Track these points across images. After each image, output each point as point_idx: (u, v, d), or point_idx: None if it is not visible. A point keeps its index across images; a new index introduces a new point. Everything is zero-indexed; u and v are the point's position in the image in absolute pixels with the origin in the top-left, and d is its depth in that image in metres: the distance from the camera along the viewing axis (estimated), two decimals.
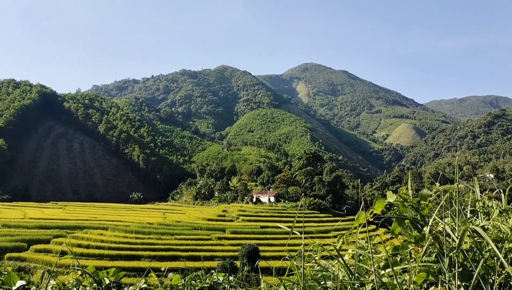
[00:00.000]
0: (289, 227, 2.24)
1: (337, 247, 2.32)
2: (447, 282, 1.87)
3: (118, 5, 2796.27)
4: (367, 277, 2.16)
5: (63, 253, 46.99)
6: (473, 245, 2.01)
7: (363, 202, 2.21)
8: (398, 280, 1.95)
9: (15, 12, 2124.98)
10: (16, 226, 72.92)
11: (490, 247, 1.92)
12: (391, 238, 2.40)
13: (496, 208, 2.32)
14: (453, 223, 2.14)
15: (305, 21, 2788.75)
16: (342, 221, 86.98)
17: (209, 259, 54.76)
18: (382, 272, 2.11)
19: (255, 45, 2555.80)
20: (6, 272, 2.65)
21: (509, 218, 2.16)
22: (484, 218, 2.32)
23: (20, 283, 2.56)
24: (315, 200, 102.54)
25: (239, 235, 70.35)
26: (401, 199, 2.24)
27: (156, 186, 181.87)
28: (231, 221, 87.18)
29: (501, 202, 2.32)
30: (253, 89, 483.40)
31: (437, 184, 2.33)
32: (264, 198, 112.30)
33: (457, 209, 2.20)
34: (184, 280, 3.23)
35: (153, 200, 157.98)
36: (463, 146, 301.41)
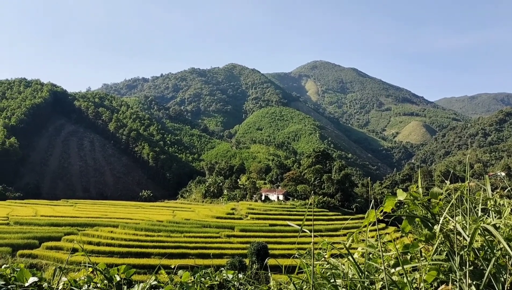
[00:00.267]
0: (299, 225, 2.24)
1: (347, 245, 2.31)
2: (457, 280, 1.85)
3: (128, 4, 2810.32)
4: (377, 275, 2.15)
5: (74, 250, 47.46)
6: (484, 244, 1.99)
7: (373, 200, 2.20)
8: (408, 278, 1.93)
9: (26, 12, 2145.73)
10: (28, 224, 73.75)
11: (501, 246, 1.91)
12: (401, 236, 2.39)
13: (507, 206, 2.30)
14: (464, 222, 2.13)
15: (314, 18, 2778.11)
16: (352, 219, 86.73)
17: (218, 256, 54.88)
18: (392, 270, 2.10)
19: (264, 43, 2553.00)
20: (19, 269, 2.68)
21: None
22: (495, 217, 2.30)
23: (32, 279, 2.59)
24: (324, 198, 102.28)
25: (248, 233, 70.39)
26: (411, 197, 2.23)
27: (166, 184, 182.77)
28: (240, 219, 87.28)
29: None
30: (262, 87, 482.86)
31: (448, 182, 2.32)
32: (273, 196, 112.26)
33: (468, 208, 2.18)
34: (194, 278, 3.25)
35: (162, 198, 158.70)
36: (474, 144, 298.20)
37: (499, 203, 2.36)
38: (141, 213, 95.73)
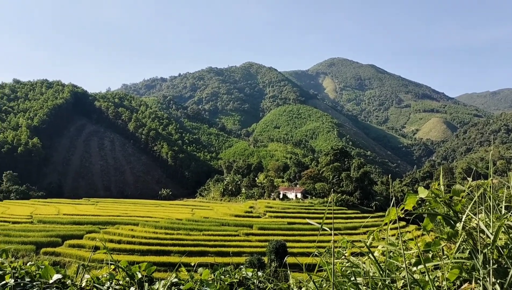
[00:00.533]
0: (319, 223, 2.23)
1: (367, 244, 2.29)
2: (481, 279, 1.82)
3: (146, 5, 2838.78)
4: (398, 273, 2.13)
5: (95, 248, 48.29)
6: (508, 242, 1.95)
7: (393, 198, 2.18)
8: (430, 276, 1.90)
9: (48, 15, 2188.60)
10: (51, 222, 75.34)
11: None
12: (422, 234, 2.36)
13: None
14: (487, 219, 2.08)
15: (331, 15, 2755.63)
16: (371, 217, 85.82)
17: (237, 254, 54.99)
18: (414, 268, 2.08)
19: (280, 41, 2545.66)
20: (43, 266, 2.74)
21: None
22: None
23: (56, 276, 2.65)
24: (343, 196, 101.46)
25: (266, 231, 70.34)
26: (433, 195, 2.19)
27: (184, 183, 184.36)
28: (258, 217, 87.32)
29: None
30: (279, 85, 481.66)
31: (470, 179, 2.28)
32: (291, 194, 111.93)
33: (491, 205, 2.13)
34: (214, 275, 3.27)
35: (181, 196, 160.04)
36: (497, 140, 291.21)
37: None
38: (161, 211, 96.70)
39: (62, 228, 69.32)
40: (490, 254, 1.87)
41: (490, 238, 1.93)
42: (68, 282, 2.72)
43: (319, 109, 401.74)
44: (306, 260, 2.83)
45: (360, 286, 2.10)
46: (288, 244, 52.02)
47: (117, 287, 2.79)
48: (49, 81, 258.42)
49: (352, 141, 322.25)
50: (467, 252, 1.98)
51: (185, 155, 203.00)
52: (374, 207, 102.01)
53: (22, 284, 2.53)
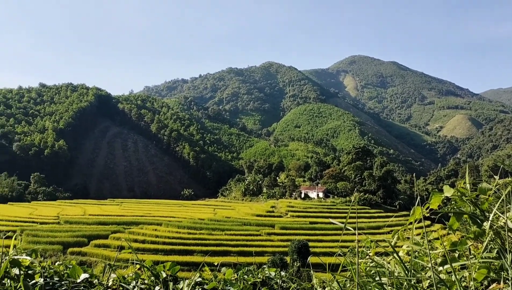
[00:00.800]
0: (342, 222, 2.22)
1: (392, 243, 2.26)
2: (510, 279, 1.77)
3: (166, 8, 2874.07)
4: (423, 273, 2.09)
5: (121, 248, 49.09)
6: None
7: (418, 197, 2.15)
8: (457, 276, 1.86)
9: (73, 22, 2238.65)
10: (77, 222, 77.01)
11: None
12: (448, 234, 2.32)
13: None
14: None
15: (351, 13, 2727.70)
16: (395, 216, 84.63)
17: (259, 254, 55.04)
18: (440, 268, 2.04)
19: (300, 40, 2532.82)
20: (71, 266, 2.81)
21: None
22: None
23: (83, 276, 2.71)
24: (366, 196, 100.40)
25: (288, 231, 70.21)
26: (458, 193, 2.15)
27: (206, 183, 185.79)
28: (280, 216, 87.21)
29: None
30: (299, 84, 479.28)
31: (497, 177, 2.22)
32: (312, 194, 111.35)
33: None
34: (237, 275, 3.29)
35: (203, 196, 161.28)
36: None
37: None
38: (183, 211, 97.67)
39: (88, 229, 70.72)
40: None
41: None
42: (95, 281, 2.78)
43: (340, 107, 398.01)
44: (329, 260, 2.81)
45: (385, 286, 2.08)
46: (310, 243, 51.82)
47: (142, 286, 2.83)
48: (73, 85, 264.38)
49: (374, 140, 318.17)
50: (495, 251, 1.94)
51: (207, 156, 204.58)
52: (397, 206, 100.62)
53: (51, 283, 2.59)
